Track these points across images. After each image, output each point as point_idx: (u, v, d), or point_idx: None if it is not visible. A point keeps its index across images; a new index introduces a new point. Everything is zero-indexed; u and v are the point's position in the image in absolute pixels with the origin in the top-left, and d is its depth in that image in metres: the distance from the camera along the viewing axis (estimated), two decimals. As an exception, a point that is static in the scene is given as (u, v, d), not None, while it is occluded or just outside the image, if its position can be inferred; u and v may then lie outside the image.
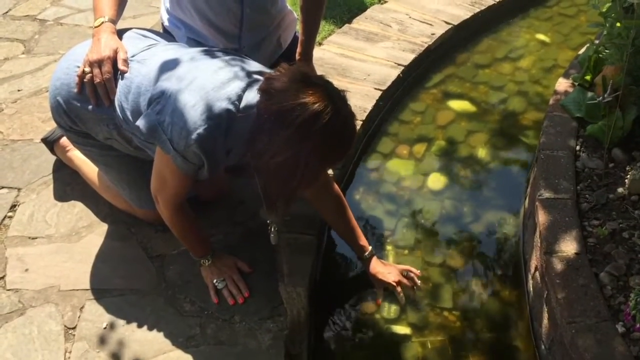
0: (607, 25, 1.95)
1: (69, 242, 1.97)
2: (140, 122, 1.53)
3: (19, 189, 2.16)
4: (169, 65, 1.58)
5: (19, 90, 2.65)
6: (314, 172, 1.49)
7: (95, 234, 1.99)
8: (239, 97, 1.49)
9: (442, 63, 2.87)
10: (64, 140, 2.13)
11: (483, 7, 3.10)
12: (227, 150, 1.56)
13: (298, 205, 1.97)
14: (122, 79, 1.64)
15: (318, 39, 2.77)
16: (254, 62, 1.66)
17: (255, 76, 1.55)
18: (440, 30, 2.91)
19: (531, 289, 1.86)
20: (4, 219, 2.05)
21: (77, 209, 2.08)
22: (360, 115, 2.41)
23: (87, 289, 1.82)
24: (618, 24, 1.89)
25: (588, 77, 2.22)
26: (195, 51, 1.64)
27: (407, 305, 1.87)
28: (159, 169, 1.60)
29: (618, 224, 1.75)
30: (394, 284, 1.85)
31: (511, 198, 2.24)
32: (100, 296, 1.80)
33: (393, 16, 3.02)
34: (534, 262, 1.84)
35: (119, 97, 1.63)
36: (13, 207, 2.10)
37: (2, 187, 2.17)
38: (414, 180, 2.29)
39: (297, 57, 2.13)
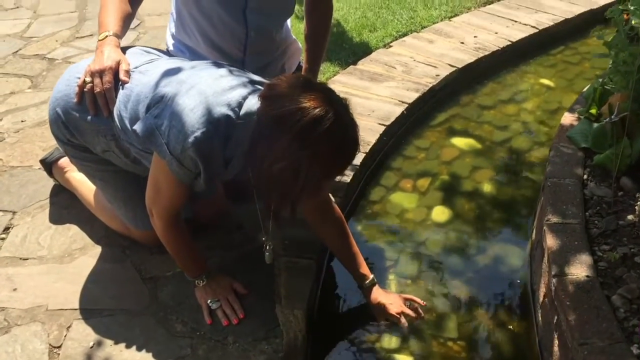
0: (612, 54, 1.94)
1: (61, 264, 1.91)
2: (138, 126, 1.50)
3: (13, 212, 2.12)
4: (170, 73, 1.57)
5: (22, 121, 2.66)
6: (315, 182, 1.44)
7: (88, 255, 1.94)
8: (239, 105, 1.47)
9: (447, 103, 2.86)
10: (63, 161, 2.11)
11: (487, 53, 3.12)
12: (226, 160, 1.53)
13: (297, 230, 1.94)
14: (122, 89, 1.62)
15: (322, 78, 2.80)
16: (255, 75, 1.65)
17: (257, 86, 1.54)
18: (444, 72, 2.93)
19: (540, 318, 1.77)
20: (-4, 240, 2.01)
21: (72, 231, 2.03)
22: (364, 148, 2.39)
23: (75, 309, 1.75)
24: (622, 53, 1.88)
25: (594, 111, 2.20)
26: (198, 62, 1.64)
27: (409, 334, 1.78)
28: (155, 177, 1.56)
29: (629, 249, 1.68)
30: (397, 315, 1.77)
31: (517, 231, 2.18)
32: (89, 316, 1.73)
33: (397, 59, 3.04)
34: (542, 290, 1.76)
35: (118, 106, 1.61)
36: (6, 230, 2.05)
37: (-2, 210, 2.13)
38: (418, 212, 2.24)
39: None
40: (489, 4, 3.68)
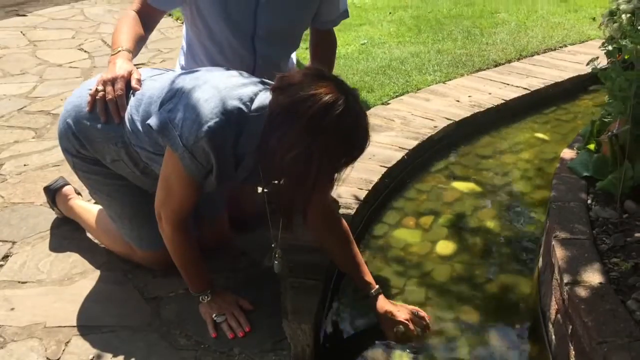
0: (608, 82, 2.01)
1: (60, 286, 1.87)
2: (152, 120, 1.52)
3: (13, 242, 2.10)
4: (182, 74, 1.61)
5: (25, 165, 2.67)
6: (327, 172, 1.45)
7: (88, 279, 1.90)
8: (251, 99, 1.50)
9: (445, 152, 2.91)
10: (67, 189, 2.11)
11: (482, 109, 3.21)
12: (238, 157, 1.53)
13: (302, 254, 1.92)
14: (133, 95, 1.66)
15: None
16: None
17: (268, 85, 1.57)
18: (442, 124, 3.00)
19: (553, 336, 1.73)
20: (-6, 267, 1.96)
21: (72, 258, 2.01)
22: (366, 186, 2.40)
23: (75, 326, 1.70)
24: (618, 79, 1.95)
25: (592, 146, 2.24)
26: (209, 67, 1.68)
27: (419, 354, 1.72)
28: (165, 177, 1.56)
29: (640, 261, 1.67)
30: (405, 322, 1.72)
31: (524, 263, 2.16)
32: (89, 332, 1.68)
33: (396, 113, 3.12)
34: (553, 307, 1.73)
35: (129, 111, 1.64)
36: (5, 257, 2.02)
37: (-3, 241, 2.10)
38: (422, 246, 2.22)
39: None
40: (481, 71, 3.82)
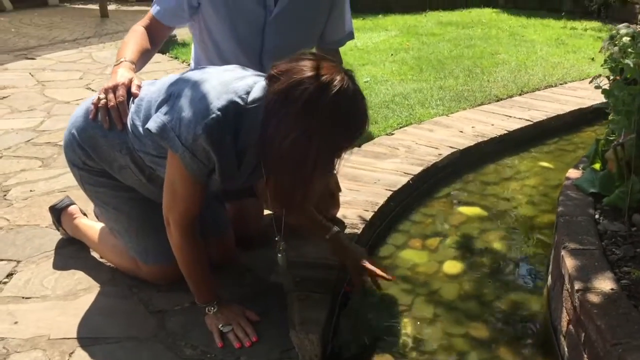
0: (612, 99, 2.03)
1: (65, 301, 1.84)
2: (150, 124, 1.54)
3: (18, 261, 2.08)
4: (177, 76, 1.65)
5: (31, 191, 2.67)
6: (327, 154, 1.46)
7: (93, 294, 1.88)
8: (247, 92, 1.52)
9: (450, 179, 2.92)
10: (72, 208, 2.11)
11: (486, 139, 3.23)
12: (239, 153, 1.53)
13: (309, 269, 1.91)
14: (134, 101, 1.69)
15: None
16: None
17: (262, 75, 1.58)
18: (446, 152, 3.01)
19: (565, 349, 1.69)
20: (-2, 284, 1.95)
21: (77, 275, 1.99)
22: (372, 208, 2.40)
23: (79, 337, 1.66)
24: (622, 94, 1.97)
25: (597, 166, 2.25)
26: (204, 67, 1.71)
27: (430, 368, 1.69)
28: (170, 179, 1.56)
29: (651, 270, 1.65)
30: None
31: (533, 282, 2.14)
32: (93, 343, 1.64)
33: (400, 142, 3.14)
34: (565, 319, 1.70)
35: (130, 116, 1.67)
36: (9, 275, 2.00)
37: (1, 260, 2.09)
38: (429, 266, 2.20)
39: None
40: (484, 105, 3.86)
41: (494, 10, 8.10)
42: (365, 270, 1.87)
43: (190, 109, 1.48)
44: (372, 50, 5.59)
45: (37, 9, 9.76)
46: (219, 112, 1.46)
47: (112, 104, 1.69)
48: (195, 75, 1.59)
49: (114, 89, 1.70)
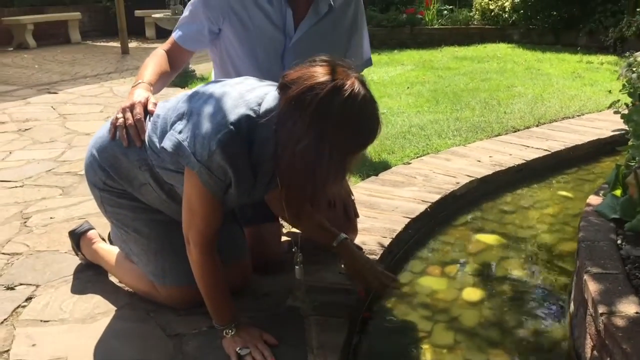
0: (631, 123, 2.03)
1: (83, 324, 1.84)
2: (166, 143, 1.57)
3: (37, 285, 2.09)
4: (190, 92, 1.69)
5: (51, 218, 2.70)
6: (340, 158, 1.45)
7: (111, 318, 1.87)
8: (259, 103, 1.53)
9: (468, 208, 2.90)
10: (92, 233, 2.13)
11: (504, 168, 3.22)
12: (254, 165, 1.54)
13: (326, 294, 1.90)
14: (150, 119, 1.72)
15: (345, 186, 2.87)
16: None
17: (275, 85, 1.60)
18: (464, 180, 3.00)
19: (591, 376, 1.65)
20: (17, 307, 1.95)
21: (95, 299, 1.99)
22: (390, 234, 2.39)
23: (96, 360, 1.65)
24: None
25: (618, 192, 2.22)
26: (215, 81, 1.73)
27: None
28: (188, 197, 1.58)
29: (677, 294, 1.62)
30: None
31: (555, 309, 2.09)
32: (111, 366, 1.63)
33: (417, 171, 3.14)
34: (589, 345, 1.66)
35: (148, 133, 1.70)
36: (28, 299, 2.01)
37: (20, 284, 2.10)
38: (448, 293, 2.18)
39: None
40: (501, 135, 3.86)
41: (509, 45, 8.15)
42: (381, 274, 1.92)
43: (203, 125, 1.50)
44: (389, 83, 5.64)
45: (60, 46, 10.01)
46: (232, 127, 1.48)
47: (130, 122, 1.72)
48: (207, 90, 1.62)
49: (131, 107, 1.74)
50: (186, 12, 2.03)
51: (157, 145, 1.65)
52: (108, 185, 1.79)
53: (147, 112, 1.74)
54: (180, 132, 1.56)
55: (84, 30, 11.06)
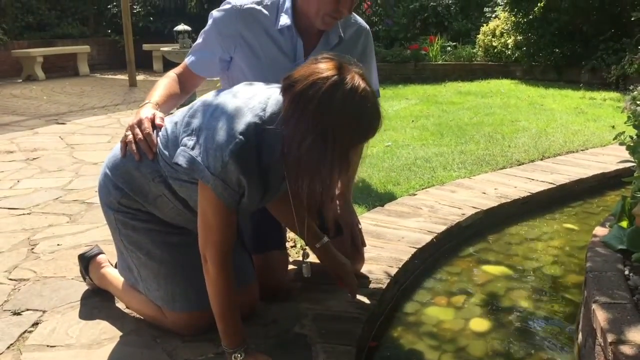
0: (636, 155, 2.04)
1: (89, 349, 1.84)
2: (179, 159, 1.61)
3: (43, 311, 2.09)
4: (194, 105, 1.72)
5: (58, 245, 2.71)
6: (344, 150, 1.49)
7: (117, 343, 1.87)
8: (263, 109, 1.58)
9: (474, 239, 2.90)
10: (100, 257, 2.14)
11: (509, 200, 3.23)
12: (264, 168, 1.58)
13: (334, 322, 1.90)
14: (158, 133, 1.76)
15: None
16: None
17: (276, 86, 1.64)
18: (469, 212, 3.01)
19: (601, 406, 1.63)
20: (23, 332, 1.95)
21: (102, 325, 1.98)
22: (396, 264, 2.39)
23: (103, 384, 1.65)
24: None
25: (624, 223, 2.23)
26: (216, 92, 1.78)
27: None
28: (203, 212, 1.61)
29: (686, 324, 1.61)
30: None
31: (562, 339, 2.08)
32: (117, 390, 1.62)
33: (423, 202, 3.15)
34: (599, 375, 1.65)
35: (159, 146, 1.73)
36: (35, 324, 2.00)
37: (27, 310, 2.10)
38: (455, 323, 2.17)
39: (337, 192, 2.22)
40: (505, 168, 3.88)
41: (512, 81, 8.24)
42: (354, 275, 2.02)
43: (214, 139, 1.54)
44: (393, 117, 5.68)
45: (68, 78, 10.14)
46: (241, 137, 1.52)
47: (139, 137, 1.76)
48: (212, 102, 1.66)
49: (139, 123, 1.78)
50: (199, 40, 2.08)
51: (168, 156, 1.69)
52: (122, 205, 1.81)
53: (155, 127, 1.78)
54: (192, 149, 1.59)
55: (92, 63, 11.23)
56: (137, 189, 1.79)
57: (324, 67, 1.50)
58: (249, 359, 1.65)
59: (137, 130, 1.77)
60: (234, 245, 1.66)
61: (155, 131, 1.77)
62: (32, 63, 9.80)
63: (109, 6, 12.08)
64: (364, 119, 1.52)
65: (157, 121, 1.78)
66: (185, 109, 1.77)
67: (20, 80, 9.76)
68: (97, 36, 11.96)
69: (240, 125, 1.54)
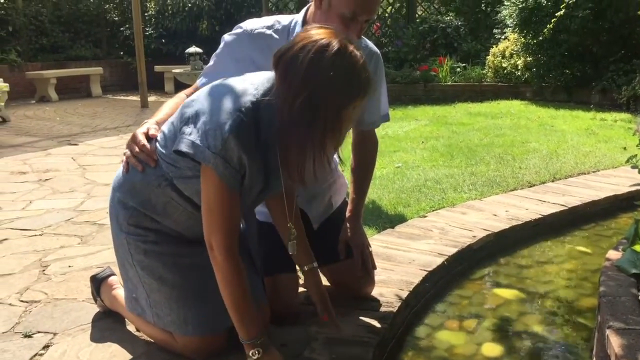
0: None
1: (99, 373, 1.83)
2: (179, 146, 1.63)
3: (54, 333, 2.09)
4: (189, 100, 1.75)
5: (69, 266, 2.72)
6: (334, 113, 1.53)
7: (128, 367, 1.86)
8: (256, 87, 1.63)
9: (485, 262, 2.89)
10: (112, 279, 2.15)
11: (520, 222, 3.21)
12: (264, 145, 1.61)
13: (345, 346, 1.89)
14: (156, 140, 1.79)
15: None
16: None
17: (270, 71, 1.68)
18: (480, 234, 3.00)
19: None
20: (34, 355, 1.95)
21: (112, 348, 1.98)
22: (407, 287, 2.38)
23: (112, 409, 1.64)
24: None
25: (638, 247, 2.21)
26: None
27: None
28: (205, 196, 1.63)
29: (702, 351, 1.59)
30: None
31: (576, 365, 2.06)
32: (127, 415, 1.61)
33: (433, 224, 3.14)
34: (614, 402, 1.63)
35: (158, 149, 1.76)
36: (46, 347, 2.01)
37: (38, 332, 2.10)
38: (467, 348, 2.15)
39: (348, 214, 2.22)
40: (516, 190, 3.87)
41: (522, 102, 8.24)
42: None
43: (212, 120, 1.58)
44: (403, 138, 5.70)
45: (81, 99, 10.25)
46: (238, 113, 1.57)
47: (136, 150, 1.80)
48: (206, 92, 1.70)
49: (133, 139, 1.83)
50: (211, 62, 2.11)
51: (169, 153, 1.71)
52: (132, 226, 1.80)
53: (150, 139, 1.81)
54: (190, 134, 1.62)
55: (104, 85, 11.36)
56: (145, 202, 1.79)
57: (314, 33, 1.56)
58: (267, 357, 1.65)
59: (133, 145, 1.81)
60: (238, 233, 1.68)
61: (152, 141, 1.80)
62: (45, 84, 9.93)
63: (121, 28, 12.25)
64: (354, 79, 1.56)
65: (152, 132, 1.82)
66: (179, 109, 1.80)
67: (34, 102, 9.88)
68: (109, 58, 12.12)
69: (237, 104, 1.59)
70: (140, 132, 1.84)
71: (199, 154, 1.59)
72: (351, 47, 1.56)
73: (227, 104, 1.60)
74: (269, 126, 1.60)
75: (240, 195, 1.66)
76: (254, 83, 1.66)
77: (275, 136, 1.60)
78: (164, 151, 1.74)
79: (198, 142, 1.59)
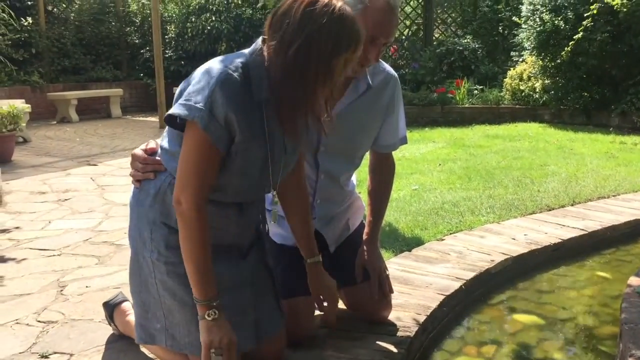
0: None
1: (114, 394, 1.83)
2: (173, 111, 1.63)
3: (71, 354, 2.09)
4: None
5: (86, 287, 2.73)
6: (327, 60, 1.57)
7: (142, 389, 1.86)
8: (243, 53, 1.70)
9: (504, 287, 2.85)
10: (125, 305, 2.16)
11: (539, 247, 3.18)
12: (257, 105, 1.64)
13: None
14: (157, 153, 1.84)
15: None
16: None
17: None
18: (498, 258, 2.97)
19: None
20: (50, 376, 1.95)
21: (128, 370, 1.98)
22: (425, 312, 2.35)
23: None
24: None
25: (659, 273, 2.18)
26: None
27: None
28: (184, 151, 1.64)
29: None
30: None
31: (597, 394, 2.02)
32: None
33: (451, 248, 3.12)
34: None
35: (162, 151, 1.80)
36: (62, 368, 2.01)
37: (55, 353, 2.11)
38: (486, 374, 2.12)
39: (365, 236, 2.21)
40: (535, 214, 3.83)
41: (540, 124, 8.19)
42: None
43: (201, 80, 1.62)
44: (420, 160, 5.68)
45: (101, 120, 10.38)
46: (226, 68, 1.60)
47: (140, 166, 1.83)
48: (199, 69, 1.72)
49: (134, 158, 1.87)
50: None
51: (173, 150, 1.73)
52: (155, 241, 1.78)
53: (151, 153, 1.86)
54: (179, 102, 1.64)
55: (124, 106, 11.51)
56: (162, 207, 1.78)
57: None
58: (221, 323, 1.65)
59: (136, 163, 1.85)
60: (209, 192, 1.67)
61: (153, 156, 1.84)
62: (66, 105, 10.07)
63: (142, 51, 12.43)
64: (345, 28, 1.59)
65: (151, 145, 1.87)
66: None
67: (55, 122, 10.01)
68: (129, 79, 12.29)
69: (226, 63, 1.63)
70: (138, 150, 1.89)
71: (187, 110, 1.60)
72: (340, 2, 1.61)
73: (218, 66, 1.64)
74: (260, 83, 1.63)
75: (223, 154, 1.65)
76: (250, 47, 1.71)
77: (268, 94, 1.63)
78: (166, 146, 1.77)
79: (184, 102, 1.61)
